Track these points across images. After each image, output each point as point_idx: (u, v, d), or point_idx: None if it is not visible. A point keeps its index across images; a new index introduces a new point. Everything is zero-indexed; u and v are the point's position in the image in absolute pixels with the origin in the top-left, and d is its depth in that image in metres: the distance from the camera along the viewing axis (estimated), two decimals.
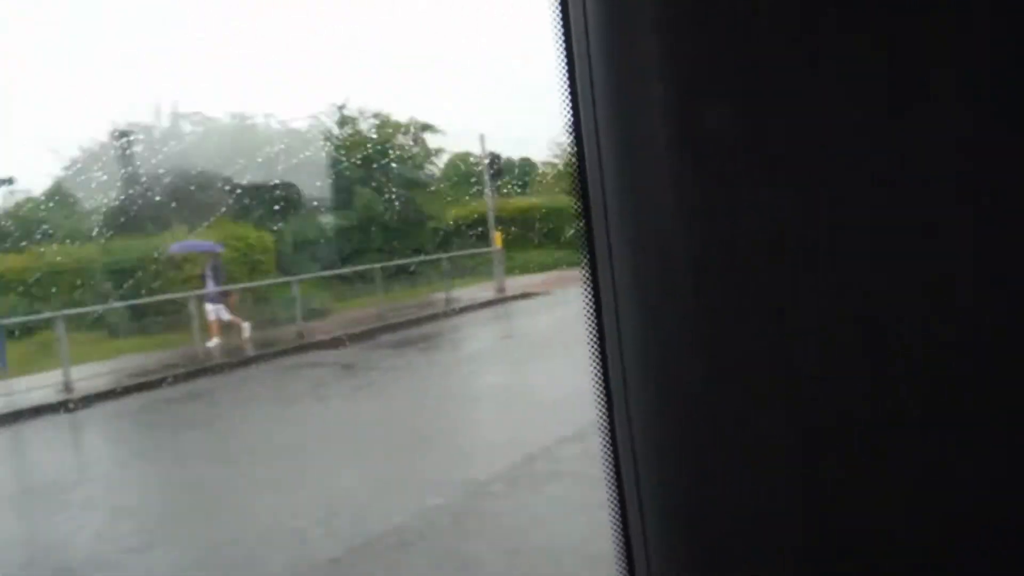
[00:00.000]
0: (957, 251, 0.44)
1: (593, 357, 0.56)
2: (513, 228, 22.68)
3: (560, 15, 0.56)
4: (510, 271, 20.18)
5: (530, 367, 9.87)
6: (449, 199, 23.26)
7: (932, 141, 0.44)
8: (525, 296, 17.19)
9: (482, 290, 18.10)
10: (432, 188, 22.80)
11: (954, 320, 0.44)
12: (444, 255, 18.79)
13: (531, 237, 22.85)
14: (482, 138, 21.38)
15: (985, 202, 0.44)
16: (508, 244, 21.40)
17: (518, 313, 15.48)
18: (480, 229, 20.58)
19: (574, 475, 5.46)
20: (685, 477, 0.51)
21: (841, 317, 0.46)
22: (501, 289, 17.93)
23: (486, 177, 20.72)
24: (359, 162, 20.30)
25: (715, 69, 0.47)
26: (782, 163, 0.46)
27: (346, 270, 17.47)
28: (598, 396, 0.56)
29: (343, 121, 21.11)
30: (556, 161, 28.54)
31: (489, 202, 19.97)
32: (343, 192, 19.71)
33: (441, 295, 17.41)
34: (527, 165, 27.32)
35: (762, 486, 0.48)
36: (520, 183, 26.33)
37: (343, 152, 20.36)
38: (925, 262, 0.45)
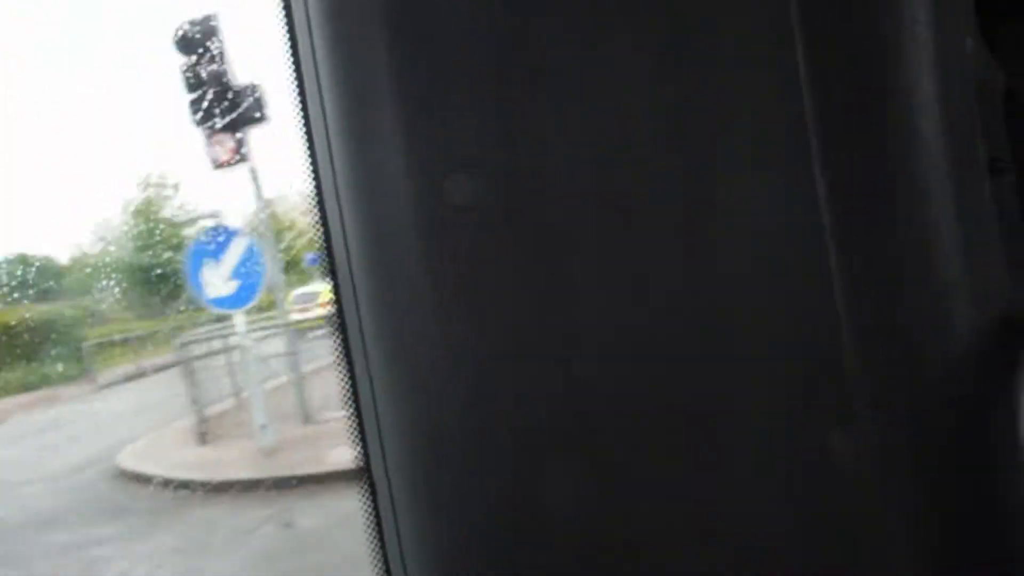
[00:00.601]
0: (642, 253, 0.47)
1: (340, 369, 0.57)
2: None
3: (289, 47, 0.54)
4: None
5: None
6: None
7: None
8: None
9: None
10: None
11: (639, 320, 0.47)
12: None
13: (17, 353, 21.24)
14: None
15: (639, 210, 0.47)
16: None
17: None
18: None
19: None
20: (436, 491, 0.52)
21: (550, 322, 0.48)
22: None
23: None
24: None
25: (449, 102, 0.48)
26: (513, 189, 0.48)
27: None
28: (346, 406, 0.57)
29: None
30: (93, 252, 26.92)
31: None
32: None
33: None
34: (46, 264, 25.56)
35: (513, 486, 0.50)
36: (37, 287, 24.48)
37: None
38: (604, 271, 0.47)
